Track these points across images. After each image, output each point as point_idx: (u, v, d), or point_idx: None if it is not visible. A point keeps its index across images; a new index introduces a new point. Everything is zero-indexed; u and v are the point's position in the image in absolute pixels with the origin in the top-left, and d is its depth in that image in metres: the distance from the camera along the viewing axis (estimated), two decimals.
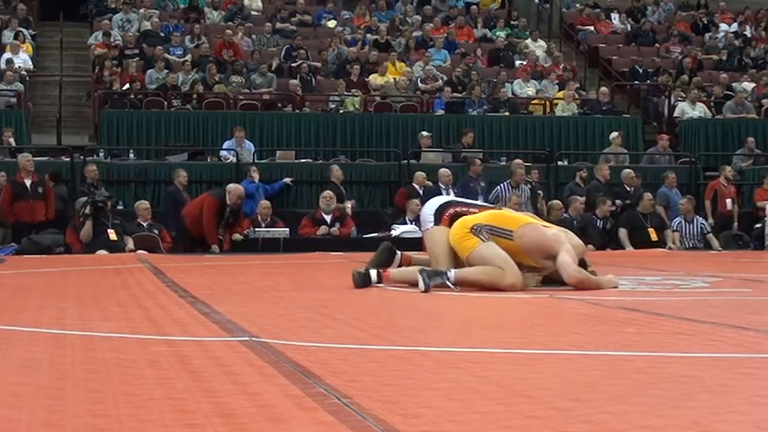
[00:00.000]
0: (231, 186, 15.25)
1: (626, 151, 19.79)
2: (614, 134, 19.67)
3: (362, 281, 7.54)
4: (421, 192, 17.09)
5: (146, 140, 19.11)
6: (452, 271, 7.14)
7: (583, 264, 7.35)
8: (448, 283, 7.05)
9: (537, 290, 7.14)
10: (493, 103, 21.06)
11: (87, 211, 14.11)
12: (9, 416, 2.74)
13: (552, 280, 7.37)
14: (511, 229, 7.16)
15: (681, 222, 16.51)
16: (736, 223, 17.65)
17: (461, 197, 15.99)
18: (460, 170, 18.31)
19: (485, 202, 16.42)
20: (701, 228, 16.55)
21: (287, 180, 17.77)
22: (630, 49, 24.96)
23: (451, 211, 7.61)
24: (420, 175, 17.36)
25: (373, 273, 7.63)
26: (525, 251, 7.16)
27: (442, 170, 17.30)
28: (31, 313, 5.76)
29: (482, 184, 17.07)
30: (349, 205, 16.84)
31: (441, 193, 16.75)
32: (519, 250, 7.15)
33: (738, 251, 15.95)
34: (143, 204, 15.51)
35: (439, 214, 7.62)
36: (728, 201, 17.69)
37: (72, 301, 6.56)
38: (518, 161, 17.59)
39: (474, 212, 7.56)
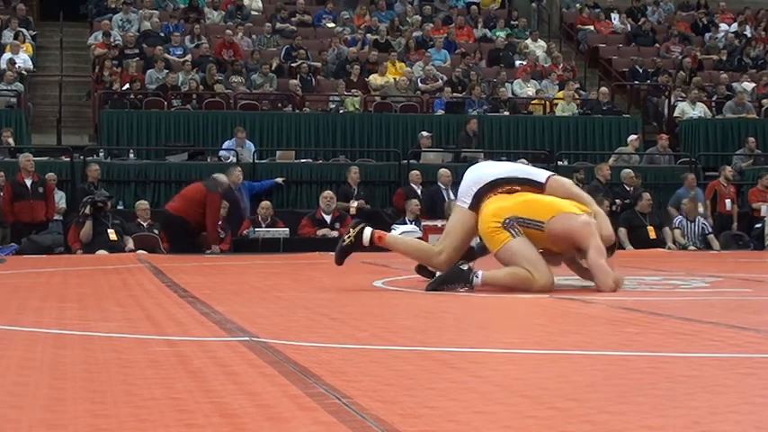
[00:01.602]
0: (221, 178, 14.99)
1: (635, 153, 19.78)
2: (633, 137, 19.71)
3: (347, 249, 7.26)
4: (419, 191, 17.10)
5: (146, 140, 19.12)
6: (479, 275, 6.94)
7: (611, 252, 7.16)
8: (469, 286, 6.87)
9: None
10: (493, 103, 21.07)
11: (87, 211, 14.12)
12: (9, 416, 2.74)
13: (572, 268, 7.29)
14: (542, 221, 6.97)
15: (683, 221, 16.53)
16: (735, 223, 17.66)
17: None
18: (462, 170, 18.31)
19: None
20: (702, 228, 16.56)
21: (278, 180, 17.75)
22: (630, 49, 24.97)
23: (499, 191, 7.22)
24: (415, 174, 17.38)
25: (367, 232, 7.24)
26: (553, 241, 7.01)
27: (442, 170, 17.33)
28: (31, 313, 5.76)
29: None
30: (354, 204, 16.81)
31: (442, 194, 16.77)
32: (547, 239, 7.00)
33: (738, 251, 15.96)
34: (142, 204, 15.52)
35: (480, 196, 7.20)
36: (728, 201, 17.70)
37: (72, 301, 6.56)
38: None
39: (517, 190, 7.21)
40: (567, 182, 7.48)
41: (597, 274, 6.93)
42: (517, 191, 7.23)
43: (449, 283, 6.92)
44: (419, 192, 17.11)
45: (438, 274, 7.23)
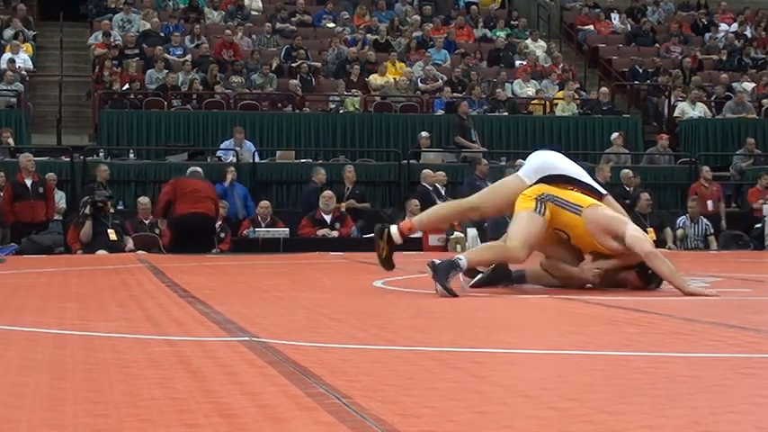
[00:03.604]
0: (200, 170, 15.45)
1: (627, 151, 19.82)
2: (615, 135, 19.70)
3: (390, 257, 7.08)
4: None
5: (146, 140, 19.14)
6: (463, 257, 6.73)
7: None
8: (460, 275, 6.71)
9: (551, 290, 6.98)
10: (493, 103, 21.07)
11: (87, 211, 14.11)
12: (9, 416, 2.74)
13: (610, 281, 7.10)
14: (581, 205, 6.87)
15: (686, 222, 16.54)
16: (723, 221, 17.60)
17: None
18: (461, 170, 18.35)
19: None
20: (705, 228, 16.57)
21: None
22: (630, 49, 24.98)
23: (561, 186, 7.06)
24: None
25: (394, 229, 7.05)
26: (590, 230, 6.85)
27: (426, 171, 17.36)
28: (31, 313, 5.76)
29: (488, 183, 17.09)
30: (343, 206, 16.76)
31: (430, 194, 16.75)
32: (584, 229, 6.85)
33: (738, 251, 15.96)
34: (144, 201, 15.46)
35: (543, 182, 7.03)
36: (710, 202, 17.66)
37: (72, 301, 6.56)
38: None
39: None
40: (618, 205, 7.43)
41: (634, 241, 6.79)
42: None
43: (447, 272, 6.58)
44: (431, 192, 17.13)
45: (480, 275, 7.10)
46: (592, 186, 7.23)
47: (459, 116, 19.49)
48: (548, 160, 7.30)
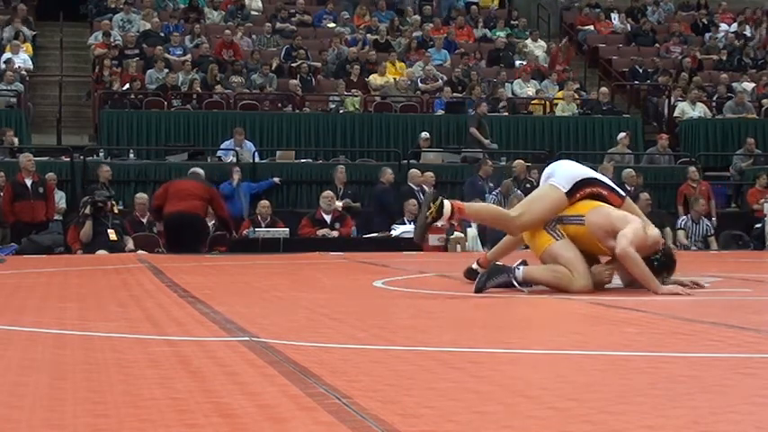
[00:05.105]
0: (200, 171, 15.45)
1: (630, 152, 19.81)
2: (622, 134, 19.69)
3: (429, 225, 6.90)
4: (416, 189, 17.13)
5: (146, 140, 19.14)
6: (521, 269, 6.82)
7: None
8: (514, 282, 6.78)
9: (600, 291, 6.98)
10: (493, 103, 21.07)
11: (87, 211, 14.09)
12: (9, 416, 2.74)
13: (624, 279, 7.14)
14: (582, 214, 6.90)
15: (688, 222, 16.54)
16: (714, 218, 17.58)
17: (470, 196, 16.15)
18: (461, 170, 18.34)
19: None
20: (706, 229, 16.57)
21: (275, 180, 17.77)
22: (630, 49, 24.98)
23: (591, 190, 7.07)
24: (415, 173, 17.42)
25: (447, 206, 6.75)
26: (595, 235, 6.86)
27: (413, 171, 17.35)
28: (31, 313, 5.76)
29: (490, 184, 17.12)
30: (340, 204, 16.78)
31: (415, 194, 16.69)
32: (590, 236, 6.87)
33: (738, 251, 15.96)
34: (141, 199, 15.41)
35: (578, 187, 7.02)
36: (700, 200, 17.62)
37: (72, 301, 6.56)
38: (519, 161, 17.66)
39: (603, 194, 7.08)
40: (636, 207, 7.44)
41: (617, 240, 6.78)
42: (603, 195, 7.11)
43: (494, 276, 6.79)
44: (417, 192, 17.09)
45: (480, 273, 7.11)
46: (613, 188, 7.27)
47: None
48: (575, 168, 7.35)
